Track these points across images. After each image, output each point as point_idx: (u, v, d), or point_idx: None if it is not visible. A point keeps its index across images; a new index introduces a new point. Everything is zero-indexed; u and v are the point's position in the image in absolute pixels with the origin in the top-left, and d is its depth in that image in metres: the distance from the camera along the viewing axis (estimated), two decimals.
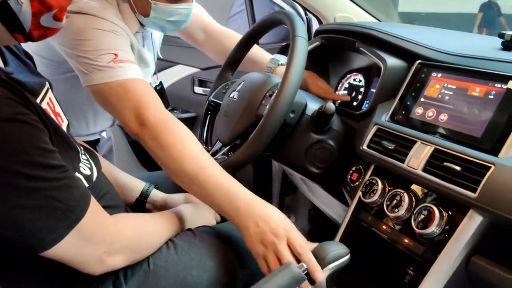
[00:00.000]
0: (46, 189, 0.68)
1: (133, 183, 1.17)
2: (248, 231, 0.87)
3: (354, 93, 1.29)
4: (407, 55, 1.04)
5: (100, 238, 0.80)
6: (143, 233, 0.92)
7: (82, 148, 0.96)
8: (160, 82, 1.43)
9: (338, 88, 1.34)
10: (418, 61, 0.99)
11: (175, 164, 0.96)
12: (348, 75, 1.33)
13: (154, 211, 1.17)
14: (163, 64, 2.13)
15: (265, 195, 1.83)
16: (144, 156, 1.99)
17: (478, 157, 0.77)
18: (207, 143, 1.23)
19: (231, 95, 1.13)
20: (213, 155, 1.12)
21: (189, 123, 1.99)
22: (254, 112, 1.04)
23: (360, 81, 1.28)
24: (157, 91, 1.33)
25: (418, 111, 0.94)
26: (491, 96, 0.82)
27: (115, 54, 1.03)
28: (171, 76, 2.14)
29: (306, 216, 1.74)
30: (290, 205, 1.86)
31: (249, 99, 1.06)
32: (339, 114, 1.18)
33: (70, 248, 0.74)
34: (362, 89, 1.27)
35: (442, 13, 9.05)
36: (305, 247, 0.83)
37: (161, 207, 1.17)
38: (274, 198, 1.85)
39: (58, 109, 0.90)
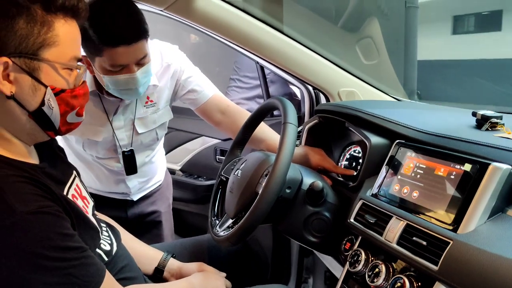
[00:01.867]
0: (66, 268, 0.82)
1: (152, 254, 1.31)
2: None
3: (354, 164, 1.40)
4: (389, 134, 1.16)
5: None
6: None
7: (105, 225, 1.12)
8: (131, 150, 1.57)
9: (340, 159, 1.45)
10: (397, 141, 1.11)
11: None
12: (349, 147, 1.44)
13: (171, 278, 1.29)
14: (189, 136, 2.34)
15: (284, 257, 1.93)
16: (181, 224, 2.16)
17: (440, 233, 0.87)
18: (217, 215, 1.36)
19: (236, 173, 1.27)
20: (220, 226, 1.25)
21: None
22: (253, 189, 1.17)
23: (359, 152, 1.40)
24: (126, 156, 1.55)
25: (396, 187, 1.05)
26: (452, 177, 0.92)
27: None
28: (196, 146, 2.34)
29: (323, 277, 1.80)
30: (308, 267, 1.93)
31: (249, 177, 1.19)
32: (338, 185, 1.30)
33: None
34: (360, 160, 1.38)
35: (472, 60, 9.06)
36: None
37: (177, 274, 1.30)
38: (293, 260, 1.93)
39: (84, 193, 1.07)
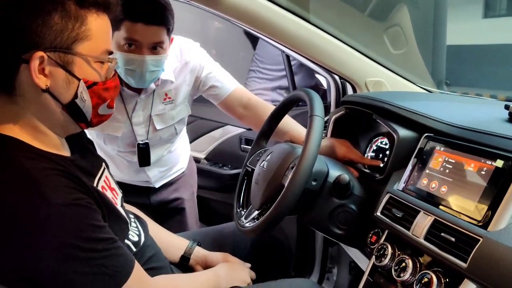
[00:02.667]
0: (97, 258, 0.85)
1: (178, 242, 1.33)
2: None
3: (381, 155, 1.39)
4: (417, 126, 1.14)
5: None
6: None
7: (133, 216, 1.15)
8: (146, 143, 1.60)
9: (367, 151, 1.44)
10: (426, 134, 1.09)
11: None
12: (375, 139, 1.43)
13: (197, 266, 1.32)
14: (214, 125, 2.35)
15: (309, 246, 1.93)
16: (206, 211, 2.19)
17: (469, 229, 0.85)
18: (243, 206, 1.37)
19: (261, 164, 1.27)
20: (245, 217, 1.26)
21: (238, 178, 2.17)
22: (279, 182, 1.17)
23: (386, 144, 1.38)
24: (140, 148, 1.58)
25: (424, 182, 1.03)
26: (483, 172, 0.90)
27: None
28: (222, 135, 2.35)
29: (347, 268, 1.81)
30: (333, 257, 1.94)
31: (275, 169, 1.19)
32: (365, 178, 1.29)
33: None
34: (388, 152, 1.36)
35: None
36: None
37: (202, 262, 1.32)
38: (318, 250, 1.93)
39: (113, 184, 1.09)
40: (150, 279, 0.99)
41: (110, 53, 0.92)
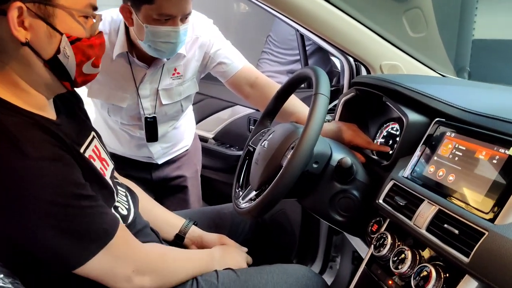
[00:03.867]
0: (81, 215, 0.82)
1: (173, 220, 1.29)
2: None
3: (391, 142, 1.32)
4: (428, 111, 1.07)
5: (128, 257, 0.92)
6: (168, 259, 1.03)
7: (124, 189, 1.11)
8: (154, 117, 1.57)
9: (377, 136, 1.37)
10: (436, 119, 1.02)
11: None
12: (386, 124, 1.36)
13: (192, 246, 1.28)
14: (223, 104, 2.30)
15: (313, 233, 1.88)
16: (210, 191, 2.16)
17: (475, 222, 0.78)
18: (242, 186, 1.32)
19: (263, 144, 1.22)
20: (243, 198, 1.21)
21: None
22: (278, 162, 1.12)
23: (397, 130, 1.31)
24: (148, 122, 1.56)
25: (431, 169, 0.96)
26: (494, 161, 0.83)
27: None
28: (231, 115, 2.29)
29: (350, 257, 1.75)
30: (337, 245, 1.88)
31: (275, 149, 1.14)
32: (372, 164, 1.23)
33: (101, 265, 0.87)
34: (397, 138, 1.29)
35: None
36: None
37: (198, 243, 1.28)
38: (322, 238, 1.88)
39: (104, 155, 1.05)
40: (137, 241, 0.97)
41: (95, 8, 0.87)
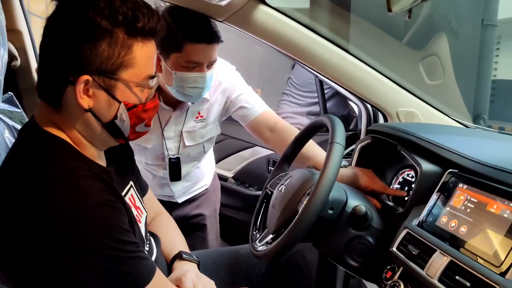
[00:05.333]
0: (123, 258, 0.88)
1: (174, 246, 1.27)
2: None
3: (407, 188, 1.34)
4: (441, 161, 1.09)
5: None
6: None
7: (149, 235, 1.16)
8: (177, 158, 1.64)
9: (393, 182, 1.39)
10: (449, 170, 1.04)
11: None
12: (402, 170, 1.38)
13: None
14: (243, 145, 2.36)
15: (330, 275, 1.87)
16: (228, 230, 2.19)
17: (486, 275, 0.80)
18: (259, 229, 1.35)
19: (280, 188, 1.26)
20: (260, 241, 1.24)
21: None
22: (294, 207, 1.15)
23: (413, 177, 1.33)
24: (172, 163, 1.61)
25: (443, 220, 0.98)
26: (505, 215, 0.85)
27: None
28: (251, 155, 2.35)
29: None
30: None
31: (291, 195, 1.17)
32: (387, 210, 1.25)
33: None
34: (413, 186, 1.31)
35: None
36: None
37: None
38: (338, 281, 1.87)
39: (138, 203, 1.12)
40: (173, 286, 1.01)
41: (152, 77, 0.95)
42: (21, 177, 0.87)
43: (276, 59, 2.83)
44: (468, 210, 0.93)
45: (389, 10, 0.94)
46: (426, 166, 1.10)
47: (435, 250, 0.93)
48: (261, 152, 2.31)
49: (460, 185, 0.99)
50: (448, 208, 0.99)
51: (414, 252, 0.98)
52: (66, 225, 0.82)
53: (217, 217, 1.96)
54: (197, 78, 1.41)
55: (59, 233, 0.82)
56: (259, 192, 2.29)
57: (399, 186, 1.36)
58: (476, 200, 0.93)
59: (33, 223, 0.83)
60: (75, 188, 0.85)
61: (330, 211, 1.14)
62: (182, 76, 1.40)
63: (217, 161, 2.39)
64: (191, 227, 1.86)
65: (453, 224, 0.95)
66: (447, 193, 1.01)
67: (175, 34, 1.35)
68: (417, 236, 1.01)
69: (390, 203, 1.30)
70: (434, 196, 1.04)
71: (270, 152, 2.26)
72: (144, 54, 0.92)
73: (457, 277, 0.85)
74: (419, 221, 1.04)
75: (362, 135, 1.73)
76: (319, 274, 1.89)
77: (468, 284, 0.82)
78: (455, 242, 0.92)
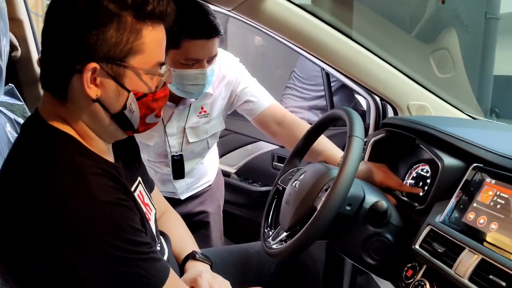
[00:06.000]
0: (136, 260, 0.83)
1: (185, 246, 1.24)
2: None
3: (421, 184, 1.30)
4: (464, 155, 1.05)
5: None
6: None
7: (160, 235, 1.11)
8: (180, 155, 1.58)
9: (406, 177, 1.35)
10: (474, 164, 1.00)
11: None
12: (416, 165, 1.34)
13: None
14: (247, 139, 2.31)
15: (337, 272, 1.84)
16: (232, 227, 2.14)
17: None
18: (270, 226, 1.30)
19: (293, 184, 1.21)
20: (273, 239, 1.20)
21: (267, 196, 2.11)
22: (310, 203, 1.11)
23: (427, 171, 1.29)
24: (175, 160, 1.56)
25: (470, 216, 0.94)
26: None
27: None
28: (254, 150, 2.30)
29: None
30: (362, 286, 1.84)
31: (307, 190, 1.13)
32: (403, 206, 1.21)
33: None
34: (428, 180, 1.27)
35: None
36: None
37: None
38: (346, 277, 1.84)
39: (147, 200, 1.07)
40: (185, 286, 0.97)
41: (162, 64, 0.90)
42: (26, 175, 0.81)
43: (279, 52, 2.78)
44: (498, 206, 0.90)
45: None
46: (448, 160, 1.07)
47: (464, 248, 0.89)
48: (265, 147, 2.26)
49: (488, 180, 0.95)
50: (475, 204, 0.95)
51: (439, 250, 0.94)
52: (75, 226, 0.77)
53: (220, 214, 1.91)
54: (197, 75, 1.35)
55: (68, 235, 0.77)
56: (264, 188, 2.26)
57: (413, 182, 1.32)
58: (507, 196, 0.89)
59: (40, 225, 0.77)
60: (84, 186, 0.80)
61: (348, 208, 1.10)
62: (181, 74, 1.34)
63: (220, 156, 2.34)
64: (194, 224, 1.81)
65: (481, 221, 0.91)
66: (472, 188, 0.98)
67: (172, 30, 1.29)
68: (442, 233, 0.97)
69: (405, 199, 1.27)
70: (458, 192, 1.01)
71: (274, 147, 2.21)
72: (154, 39, 0.86)
73: (490, 276, 0.81)
74: (443, 217, 1.00)
75: (371, 129, 1.69)
76: (326, 272, 1.86)
77: (503, 283, 0.78)
78: (485, 239, 0.88)
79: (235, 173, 2.37)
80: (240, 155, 2.35)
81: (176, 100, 1.49)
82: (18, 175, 0.82)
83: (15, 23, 1.52)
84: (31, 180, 0.80)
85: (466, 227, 0.94)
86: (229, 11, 1.40)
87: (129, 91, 0.86)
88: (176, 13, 1.26)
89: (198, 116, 1.56)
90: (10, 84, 1.27)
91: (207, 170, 1.81)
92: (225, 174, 2.31)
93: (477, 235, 0.90)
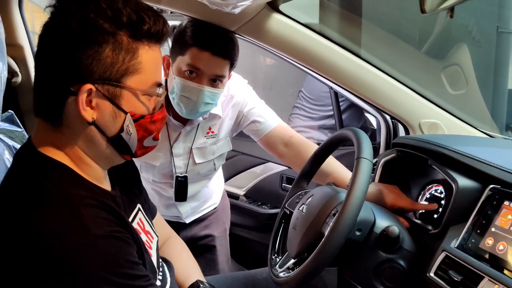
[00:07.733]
0: None
1: (188, 275, 1.19)
2: None
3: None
4: (480, 176, 1.00)
5: None
6: None
7: (161, 261, 1.07)
8: (185, 176, 1.54)
9: (419, 199, 1.30)
10: (491, 186, 0.95)
11: None
12: (429, 186, 1.28)
13: None
14: (255, 161, 2.27)
15: None
16: (239, 250, 2.09)
17: None
18: (278, 252, 1.25)
19: (301, 208, 1.16)
20: (280, 266, 1.15)
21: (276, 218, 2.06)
22: (318, 229, 1.06)
23: (441, 192, 1.24)
24: (179, 181, 1.52)
25: (488, 242, 0.88)
26: None
27: None
28: (263, 172, 2.26)
29: None
30: None
31: (314, 215, 1.08)
32: (416, 230, 1.15)
33: None
34: (443, 202, 1.22)
35: None
36: None
37: None
38: None
39: (148, 227, 1.03)
40: None
41: (159, 84, 0.87)
42: (16, 208, 0.77)
43: (286, 72, 2.76)
44: None
45: (423, 11, 0.86)
46: (463, 181, 1.01)
47: (483, 277, 0.83)
48: (274, 168, 2.22)
49: (506, 202, 0.89)
50: (493, 229, 0.89)
51: (456, 279, 0.88)
52: (67, 260, 0.73)
53: (227, 238, 1.86)
54: (193, 88, 1.30)
55: (60, 270, 0.73)
56: (272, 211, 2.21)
57: (426, 203, 1.26)
58: None
59: (32, 259, 0.73)
60: (76, 219, 0.75)
61: (358, 233, 1.04)
62: (179, 82, 1.31)
63: (228, 178, 2.29)
64: (200, 248, 1.77)
65: (501, 247, 0.85)
66: (490, 211, 0.92)
67: (184, 36, 1.29)
68: (458, 260, 0.91)
69: (418, 221, 1.21)
70: (475, 215, 0.95)
71: (283, 168, 2.17)
72: (150, 59, 0.84)
73: None
74: (459, 242, 0.94)
75: (382, 149, 1.64)
76: None
77: None
78: (506, 267, 0.82)
79: (244, 195, 2.32)
80: (249, 176, 2.31)
81: (184, 120, 1.47)
82: (9, 207, 0.78)
83: (15, 49, 1.51)
84: (22, 213, 0.76)
85: (484, 254, 0.88)
86: (233, 32, 1.38)
87: (126, 113, 0.83)
88: (195, 21, 1.30)
89: (205, 136, 1.53)
90: (9, 111, 1.25)
91: (213, 193, 1.77)
92: (234, 196, 2.27)
93: (497, 262, 0.84)
